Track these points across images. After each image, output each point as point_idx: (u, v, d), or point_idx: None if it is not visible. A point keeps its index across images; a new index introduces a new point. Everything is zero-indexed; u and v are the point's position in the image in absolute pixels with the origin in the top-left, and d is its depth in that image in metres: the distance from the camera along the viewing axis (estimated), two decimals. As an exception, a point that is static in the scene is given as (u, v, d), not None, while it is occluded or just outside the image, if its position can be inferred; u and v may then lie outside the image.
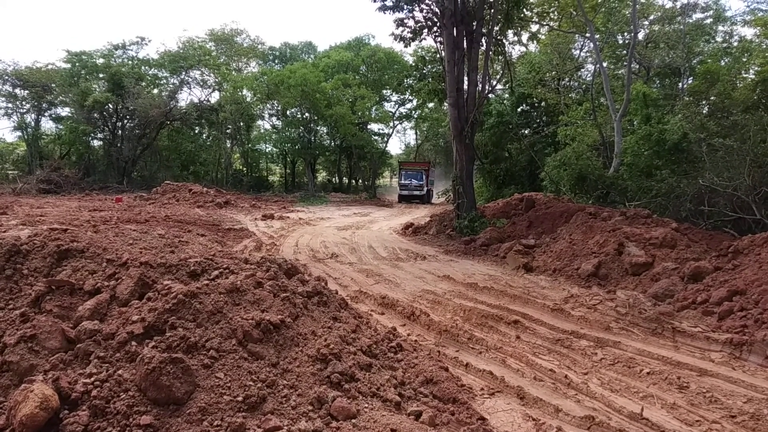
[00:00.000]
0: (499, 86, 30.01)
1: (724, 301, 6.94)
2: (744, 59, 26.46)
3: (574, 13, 24.20)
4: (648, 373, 5.57)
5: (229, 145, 46.74)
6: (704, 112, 19.07)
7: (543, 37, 26.94)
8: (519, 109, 32.88)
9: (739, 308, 6.67)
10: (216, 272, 4.74)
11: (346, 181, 53.93)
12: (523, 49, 28.42)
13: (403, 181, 41.40)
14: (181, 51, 41.77)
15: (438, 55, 20.12)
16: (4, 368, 3.67)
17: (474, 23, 17.11)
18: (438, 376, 4.64)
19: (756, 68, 25.02)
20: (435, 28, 18.29)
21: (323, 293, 5.19)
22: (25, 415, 3.07)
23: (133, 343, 3.75)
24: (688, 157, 15.57)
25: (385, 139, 52.46)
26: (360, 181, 52.92)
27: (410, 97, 45.69)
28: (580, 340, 6.61)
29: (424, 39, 19.14)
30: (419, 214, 26.70)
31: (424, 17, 18.35)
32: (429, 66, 22.14)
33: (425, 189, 40.70)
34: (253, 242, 14.58)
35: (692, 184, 13.54)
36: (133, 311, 4.09)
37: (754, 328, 6.16)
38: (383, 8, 18.06)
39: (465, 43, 17.22)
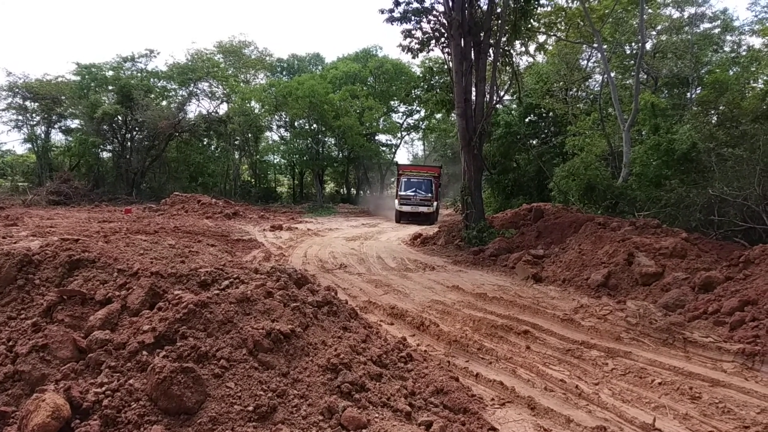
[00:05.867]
0: (506, 97, 29.97)
1: (736, 311, 6.88)
2: (753, 69, 26.38)
3: (582, 23, 24.20)
4: (660, 384, 5.52)
5: (237, 157, 46.92)
6: (713, 121, 18.98)
7: (550, 47, 26.95)
8: (527, 120, 32.77)
9: (750, 318, 6.61)
10: (226, 282, 4.74)
11: (354, 192, 53.99)
12: (530, 59, 28.55)
13: (404, 192, 29.99)
14: (190, 63, 42.02)
15: (446, 66, 20.16)
16: (16, 378, 3.69)
17: (482, 34, 17.15)
18: (448, 386, 4.62)
19: (765, 77, 25.02)
20: (443, 39, 18.33)
21: (333, 303, 5.19)
22: (37, 425, 3.09)
23: (144, 352, 3.76)
24: (697, 166, 15.50)
25: (393, 149, 52.63)
26: (368, 192, 52.88)
27: (418, 108, 45.77)
28: (591, 350, 6.57)
29: (432, 50, 19.18)
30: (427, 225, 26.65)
31: (432, 28, 18.40)
32: (437, 77, 22.14)
33: (434, 204, 30.06)
34: (262, 253, 14.59)
35: (702, 194, 13.46)
36: (144, 321, 4.11)
37: (766, 339, 6.09)
38: (391, 20, 18.12)
39: (473, 54, 17.25)
